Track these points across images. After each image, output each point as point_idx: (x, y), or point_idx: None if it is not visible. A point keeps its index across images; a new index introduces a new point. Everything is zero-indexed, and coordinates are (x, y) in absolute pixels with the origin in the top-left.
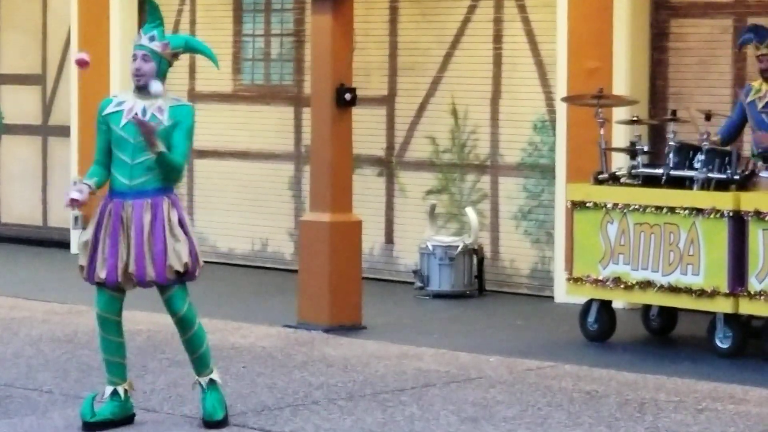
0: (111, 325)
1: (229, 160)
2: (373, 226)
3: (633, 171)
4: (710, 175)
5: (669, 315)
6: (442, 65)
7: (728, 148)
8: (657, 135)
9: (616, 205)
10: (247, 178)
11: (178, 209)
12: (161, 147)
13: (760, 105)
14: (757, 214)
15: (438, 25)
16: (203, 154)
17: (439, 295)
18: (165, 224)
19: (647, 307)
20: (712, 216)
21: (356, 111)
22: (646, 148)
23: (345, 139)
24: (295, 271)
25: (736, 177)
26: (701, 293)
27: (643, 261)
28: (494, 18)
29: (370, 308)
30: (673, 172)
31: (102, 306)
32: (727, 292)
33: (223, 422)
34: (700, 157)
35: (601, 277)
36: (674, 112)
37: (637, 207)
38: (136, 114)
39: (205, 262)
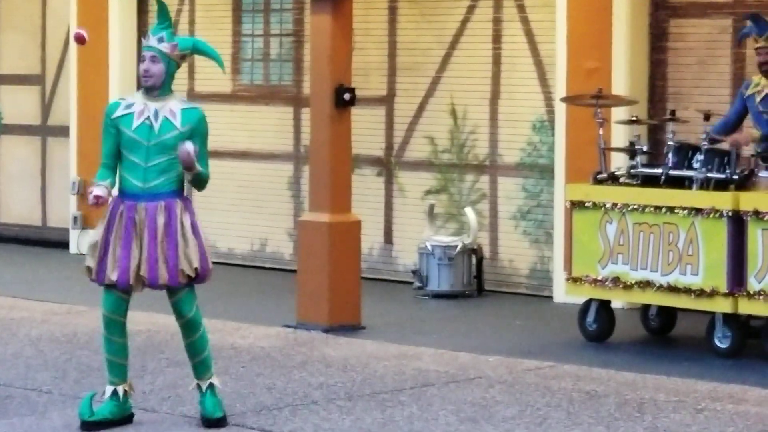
0: (116, 327)
1: (229, 160)
2: (373, 226)
3: (632, 171)
4: (709, 174)
5: (668, 315)
6: (442, 65)
7: (727, 148)
8: (656, 135)
9: (615, 205)
10: (247, 178)
11: (190, 213)
12: (199, 168)
13: (757, 99)
14: (756, 213)
15: (437, 25)
16: None
17: (438, 295)
18: (178, 228)
19: (646, 307)
20: (711, 216)
21: (355, 111)
22: (645, 148)
23: (344, 140)
24: (295, 271)
25: (735, 177)
26: (700, 293)
27: (642, 261)
28: (493, 18)
29: (369, 308)
30: (672, 172)
31: (109, 307)
32: (726, 291)
33: (223, 421)
34: (699, 156)
35: (600, 277)
36: (673, 112)
37: (636, 207)
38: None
39: None
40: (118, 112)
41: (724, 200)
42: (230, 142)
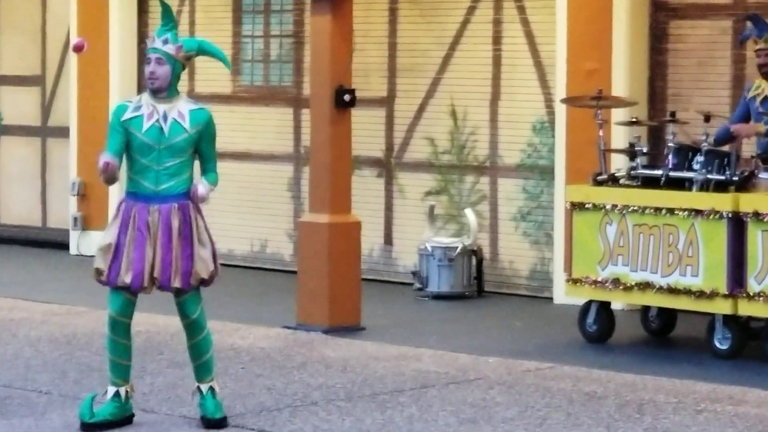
0: (122, 328)
1: (229, 161)
2: (372, 227)
3: (632, 172)
4: (709, 176)
5: (668, 316)
6: (442, 66)
7: (727, 149)
8: (656, 136)
9: (615, 206)
10: (247, 179)
11: (202, 214)
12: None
13: (758, 101)
14: (756, 215)
15: (437, 27)
16: None
17: (438, 296)
18: (194, 229)
19: (646, 309)
20: (711, 217)
21: (355, 112)
22: (645, 150)
23: (344, 141)
24: (295, 272)
25: (735, 178)
26: (700, 294)
27: (642, 262)
28: (493, 19)
29: (369, 309)
30: (672, 174)
31: (117, 309)
32: (726, 293)
33: (223, 422)
34: (699, 158)
35: (600, 279)
36: (673, 114)
37: (636, 208)
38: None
39: None
40: (127, 115)
41: (724, 202)
42: (230, 143)
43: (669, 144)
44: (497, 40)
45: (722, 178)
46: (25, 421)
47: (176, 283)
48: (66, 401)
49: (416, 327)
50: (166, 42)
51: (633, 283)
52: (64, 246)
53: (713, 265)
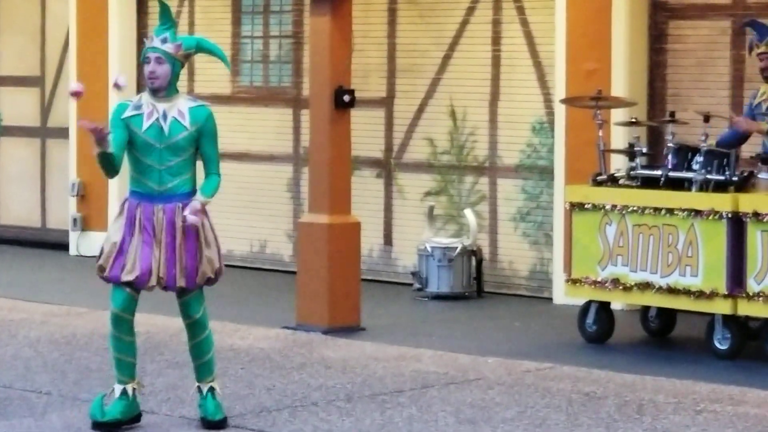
0: (125, 325)
1: (228, 161)
2: (372, 227)
3: (632, 172)
4: (709, 176)
5: (668, 316)
6: (441, 67)
7: (726, 149)
8: (655, 136)
9: (614, 206)
10: (246, 180)
11: (207, 214)
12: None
13: (764, 107)
14: (756, 215)
15: (437, 27)
16: None
17: (437, 297)
18: (199, 229)
19: (646, 309)
20: (710, 217)
21: (355, 112)
22: (644, 150)
23: (343, 141)
24: (294, 273)
25: (735, 178)
26: (700, 294)
27: (642, 262)
28: (493, 20)
29: (369, 310)
30: (671, 174)
31: (120, 305)
32: (726, 293)
33: (223, 423)
34: (699, 158)
35: (599, 279)
36: (672, 114)
37: (635, 208)
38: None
39: None
40: (128, 113)
41: (723, 202)
42: (230, 144)
43: (668, 144)
44: (496, 40)
45: (722, 178)
46: (24, 421)
47: (181, 283)
48: (65, 402)
49: (416, 327)
50: (164, 41)
51: (632, 284)
52: (63, 247)
53: (713, 266)
